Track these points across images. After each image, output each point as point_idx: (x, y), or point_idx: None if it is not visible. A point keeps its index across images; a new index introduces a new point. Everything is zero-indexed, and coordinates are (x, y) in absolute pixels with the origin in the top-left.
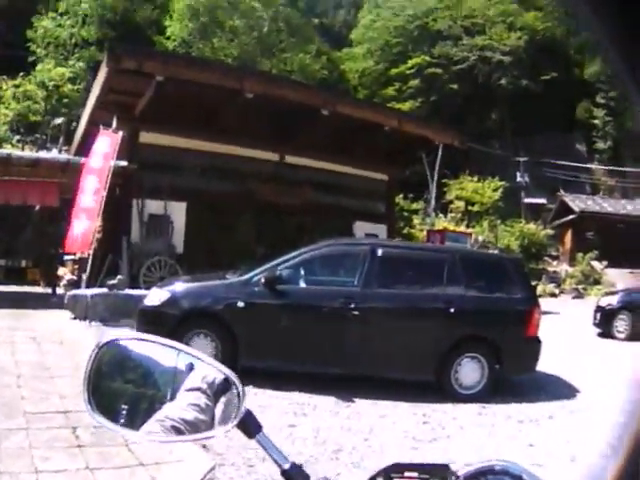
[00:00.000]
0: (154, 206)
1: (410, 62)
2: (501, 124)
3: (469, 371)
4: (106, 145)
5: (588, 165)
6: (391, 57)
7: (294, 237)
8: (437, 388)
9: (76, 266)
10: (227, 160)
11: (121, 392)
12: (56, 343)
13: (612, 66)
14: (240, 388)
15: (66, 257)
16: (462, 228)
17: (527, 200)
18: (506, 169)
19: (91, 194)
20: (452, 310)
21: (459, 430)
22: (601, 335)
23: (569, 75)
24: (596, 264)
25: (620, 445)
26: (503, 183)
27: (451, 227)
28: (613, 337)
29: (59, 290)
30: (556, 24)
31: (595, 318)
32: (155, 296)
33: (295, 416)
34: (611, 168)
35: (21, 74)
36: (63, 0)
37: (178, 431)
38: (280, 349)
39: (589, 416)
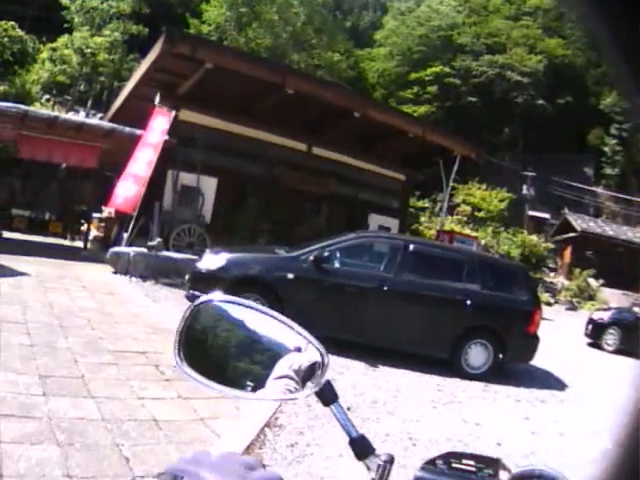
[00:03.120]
0: (187, 178)
1: (430, 70)
2: (513, 139)
3: (477, 355)
4: (163, 122)
5: (594, 188)
6: (411, 62)
7: (313, 222)
8: (448, 366)
9: (102, 224)
10: (258, 145)
11: (212, 351)
12: (107, 294)
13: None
14: (325, 358)
15: (94, 215)
16: (467, 231)
17: (531, 213)
18: (513, 181)
19: (144, 164)
20: (468, 302)
21: (468, 399)
22: (591, 345)
23: (584, 102)
24: (592, 281)
25: (620, 441)
26: (510, 195)
27: (457, 229)
28: (602, 348)
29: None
30: (578, 54)
31: (587, 329)
32: (210, 261)
33: (334, 372)
34: (617, 195)
35: (59, 38)
36: None
37: None
38: (320, 318)
39: (575, 406)
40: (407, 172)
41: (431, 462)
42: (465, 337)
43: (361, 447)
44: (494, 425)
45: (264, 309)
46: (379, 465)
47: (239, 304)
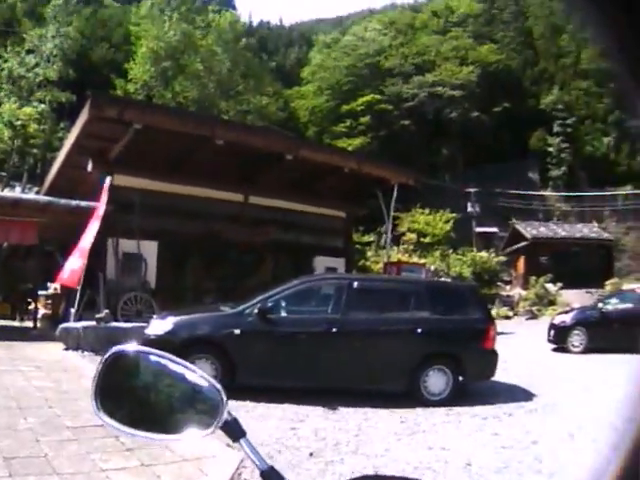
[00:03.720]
0: (128, 245)
1: (361, 100)
2: (452, 157)
3: (436, 381)
4: (107, 192)
5: (541, 192)
6: (341, 95)
7: (259, 273)
8: (408, 396)
9: (49, 301)
10: (195, 201)
11: (126, 398)
12: (61, 371)
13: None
14: (224, 396)
15: (40, 292)
16: (415, 259)
17: (478, 229)
18: (457, 200)
19: (91, 236)
20: (419, 331)
21: (432, 426)
22: (556, 350)
23: (523, 105)
24: (550, 286)
25: (621, 446)
26: (454, 215)
27: (404, 258)
28: (568, 351)
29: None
30: (512, 55)
31: (549, 335)
32: (158, 326)
33: (293, 422)
34: (566, 194)
35: None
36: (27, 40)
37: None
38: (273, 369)
39: (545, 414)
40: (347, 209)
41: None
42: (422, 365)
43: (273, 478)
44: (462, 447)
45: (171, 357)
46: None
47: (150, 353)
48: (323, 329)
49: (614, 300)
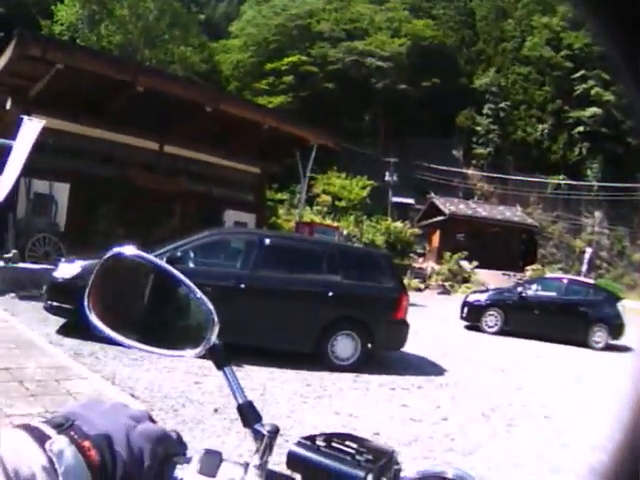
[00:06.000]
0: (40, 185)
1: (286, 59)
2: (374, 125)
3: (344, 346)
4: (34, 131)
5: (464, 170)
6: (267, 52)
7: (169, 222)
8: (315, 359)
9: None
10: (110, 146)
11: (119, 302)
12: None
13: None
14: (215, 317)
15: None
16: (328, 221)
17: (395, 199)
18: (376, 168)
19: (13, 175)
20: (330, 294)
21: (339, 391)
22: (469, 328)
23: (454, 83)
24: (465, 264)
25: (619, 441)
26: (372, 182)
27: (317, 220)
28: (482, 331)
29: None
30: (449, 33)
31: (462, 312)
32: (65, 270)
33: (197, 376)
34: (490, 175)
35: None
36: None
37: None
38: None
39: (456, 390)
40: (262, 165)
41: (310, 438)
42: (330, 329)
43: (248, 414)
44: (369, 415)
45: (168, 267)
46: (264, 435)
47: (149, 260)
48: (231, 284)
49: (535, 286)
